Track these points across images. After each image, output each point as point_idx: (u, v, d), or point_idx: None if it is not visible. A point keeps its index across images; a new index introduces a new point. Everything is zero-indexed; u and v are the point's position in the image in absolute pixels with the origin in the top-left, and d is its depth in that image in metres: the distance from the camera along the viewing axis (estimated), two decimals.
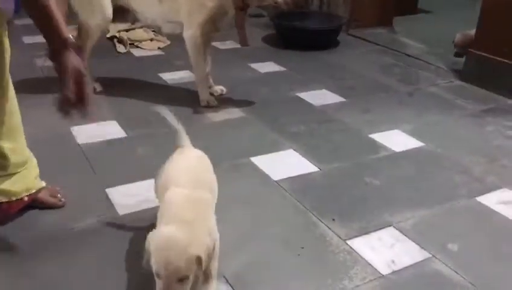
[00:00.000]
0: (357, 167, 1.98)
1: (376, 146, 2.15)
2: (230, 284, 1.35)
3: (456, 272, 1.44)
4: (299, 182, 1.86)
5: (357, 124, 2.34)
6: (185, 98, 2.54)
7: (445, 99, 2.69)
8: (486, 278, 1.41)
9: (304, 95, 2.65)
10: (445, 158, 2.07)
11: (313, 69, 3.07)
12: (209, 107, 2.43)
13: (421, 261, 1.48)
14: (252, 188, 1.83)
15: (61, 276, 1.37)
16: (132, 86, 2.66)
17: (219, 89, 2.61)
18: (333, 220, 1.65)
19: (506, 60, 2.67)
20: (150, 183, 1.78)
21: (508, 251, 1.54)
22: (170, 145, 2.07)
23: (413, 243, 1.55)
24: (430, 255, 1.50)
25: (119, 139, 2.11)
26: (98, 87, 2.55)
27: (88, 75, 2.40)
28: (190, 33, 2.34)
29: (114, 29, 3.38)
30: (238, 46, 3.39)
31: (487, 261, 1.49)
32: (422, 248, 1.53)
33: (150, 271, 1.12)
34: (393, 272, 1.43)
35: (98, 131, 2.15)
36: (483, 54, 2.77)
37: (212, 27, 2.36)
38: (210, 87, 2.56)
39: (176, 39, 2.82)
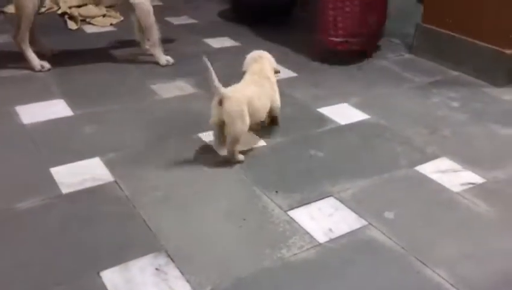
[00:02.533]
0: (303, 140, 2.02)
1: (323, 119, 2.20)
2: (170, 257, 1.38)
3: (390, 238, 1.50)
4: (245, 156, 1.89)
5: (307, 99, 2.38)
6: (135, 74, 2.53)
7: (393, 72, 2.75)
8: (418, 243, 1.48)
9: None
10: (389, 130, 2.13)
11: (266, 44, 3.07)
12: (169, 66, 2.63)
13: (358, 229, 1.54)
14: (198, 162, 1.85)
15: (2, 258, 1.37)
16: (82, 64, 2.62)
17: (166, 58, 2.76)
18: (276, 192, 1.69)
19: (450, 32, 2.73)
20: (95, 161, 1.80)
21: (439, 217, 1.61)
22: (116, 123, 2.08)
23: (351, 212, 1.61)
24: (367, 223, 1.56)
25: (66, 118, 2.09)
26: (46, 65, 2.50)
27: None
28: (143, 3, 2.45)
29: (65, 5, 3.30)
30: (193, 21, 3.40)
31: (420, 227, 1.56)
32: (359, 216, 1.59)
33: None
34: (330, 240, 1.48)
35: (44, 110, 2.13)
36: (430, 26, 2.83)
37: None
38: (157, 58, 2.69)
39: (129, 15, 2.79)
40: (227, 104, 1.75)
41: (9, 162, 1.77)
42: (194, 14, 3.49)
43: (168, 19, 3.42)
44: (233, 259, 1.40)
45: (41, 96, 2.24)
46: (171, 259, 1.38)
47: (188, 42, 3.03)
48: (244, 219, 1.56)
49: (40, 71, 2.48)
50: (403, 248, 1.47)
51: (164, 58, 2.65)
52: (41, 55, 2.56)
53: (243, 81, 1.95)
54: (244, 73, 2.01)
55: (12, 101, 2.17)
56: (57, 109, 2.15)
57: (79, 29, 3.16)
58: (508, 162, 1.93)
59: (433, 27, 2.82)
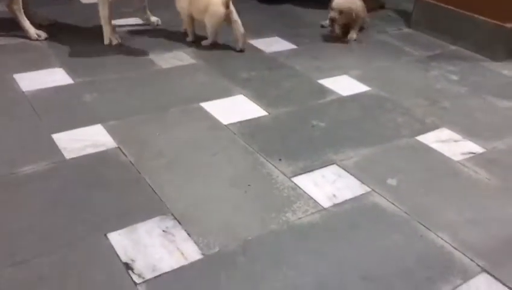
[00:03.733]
0: (304, 111, 2.03)
1: (324, 91, 2.20)
2: (177, 220, 1.39)
3: (393, 203, 1.52)
4: (248, 126, 1.89)
5: (307, 71, 2.37)
6: (133, 44, 2.50)
7: (393, 46, 2.75)
8: (419, 208, 1.51)
9: (256, 42, 2.65)
10: (390, 101, 2.14)
11: (266, 17, 3.05)
12: (111, 45, 2.47)
13: (361, 194, 1.55)
14: (202, 132, 1.85)
15: (7, 222, 1.37)
16: (79, 33, 2.59)
17: (155, 19, 2.74)
18: (280, 160, 1.70)
19: (450, 6, 2.73)
20: (96, 128, 1.80)
21: (441, 184, 1.64)
22: (116, 91, 2.06)
23: (355, 179, 1.62)
24: (370, 189, 1.58)
25: (66, 86, 2.07)
26: (43, 34, 2.47)
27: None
28: None
29: None
30: None
31: (422, 193, 1.59)
32: (362, 183, 1.61)
33: None
34: (334, 205, 1.50)
35: (43, 78, 2.10)
36: (430, 1, 2.83)
37: None
38: (146, 18, 2.73)
39: None
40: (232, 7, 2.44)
41: (10, 129, 1.75)
42: None
43: None
44: (240, 222, 1.41)
45: (39, 64, 2.21)
46: (178, 221, 1.39)
47: None
48: (249, 185, 1.57)
49: (37, 40, 2.45)
50: (406, 213, 1.49)
51: (108, 37, 2.46)
52: (37, 25, 2.52)
53: None
54: None
55: (10, 70, 2.14)
56: (56, 77, 2.12)
57: (75, 0, 3.11)
58: (506, 133, 1.96)
59: (432, 1, 2.82)
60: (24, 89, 2.01)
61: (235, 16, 2.47)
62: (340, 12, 2.67)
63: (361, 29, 2.90)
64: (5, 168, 1.56)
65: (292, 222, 1.42)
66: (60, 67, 2.21)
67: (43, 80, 2.09)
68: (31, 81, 2.07)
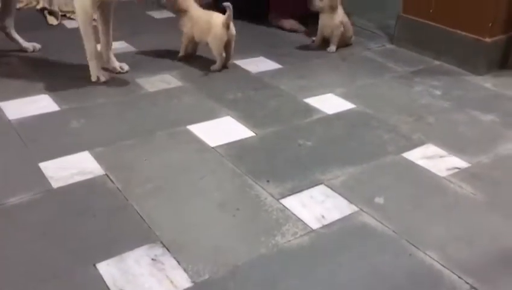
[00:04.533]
0: (291, 130, 2.04)
1: (310, 110, 2.22)
2: (166, 247, 1.39)
3: (381, 223, 1.53)
4: (235, 147, 1.90)
5: (292, 90, 2.39)
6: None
7: (377, 62, 2.78)
8: (407, 226, 1.52)
9: (241, 63, 2.67)
10: (375, 118, 2.16)
11: (251, 37, 3.08)
12: (99, 82, 2.34)
13: (349, 214, 1.56)
14: (188, 155, 1.85)
15: None
16: (64, 59, 2.59)
17: (118, 66, 2.46)
18: (267, 181, 1.70)
19: (432, 22, 2.78)
20: (83, 155, 1.80)
21: (428, 201, 1.65)
22: (103, 117, 2.06)
23: (342, 199, 1.63)
24: (358, 209, 1.59)
25: (52, 113, 2.07)
26: (37, 46, 2.59)
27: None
28: (79, 2, 2.19)
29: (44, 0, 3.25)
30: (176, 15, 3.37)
31: (410, 211, 1.60)
32: (350, 202, 1.62)
33: None
34: (323, 226, 1.50)
35: (30, 106, 2.10)
36: (412, 17, 2.88)
37: None
38: (109, 62, 2.45)
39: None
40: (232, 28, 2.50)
41: None
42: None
43: (151, 13, 3.40)
44: (229, 247, 1.41)
45: (25, 91, 2.21)
46: (167, 249, 1.38)
47: (171, 38, 3.01)
48: (238, 209, 1.57)
49: (33, 52, 2.57)
50: (394, 231, 1.50)
51: (96, 74, 2.33)
52: (22, 52, 2.53)
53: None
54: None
55: None
56: (42, 104, 2.12)
57: (60, 25, 3.12)
58: (490, 146, 1.98)
59: (414, 17, 2.87)
60: (10, 117, 2.01)
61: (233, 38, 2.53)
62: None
63: (346, 45, 2.96)
64: None
65: (281, 245, 1.42)
66: (46, 94, 2.21)
67: (29, 108, 2.08)
68: (17, 109, 2.07)
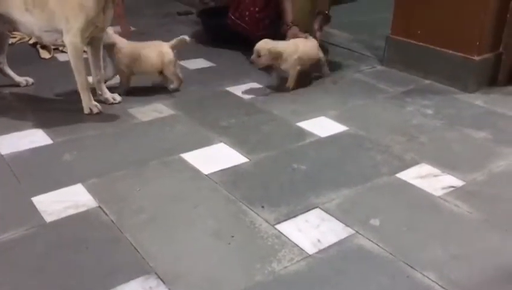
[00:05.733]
0: (284, 155, 2.04)
1: (303, 133, 2.22)
2: (160, 279, 1.37)
3: (377, 245, 1.52)
4: (229, 174, 1.90)
5: (285, 114, 2.40)
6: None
7: (368, 84, 2.81)
8: (404, 248, 1.51)
9: (233, 89, 2.69)
10: (368, 140, 2.17)
11: (242, 63, 3.11)
12: (91, 114, 2.34)
13: (345, 237, 1.55)
14: (182, 183, 1.84)
15: None
16: (58, 92, 2.60)
17: (111, 97, 2.48)
18: (262, 207, 1.70)
19: (420, 43, 2.82)
20: (76, 188, 1.79)
21: (424, 221, 1.64)
22: (96, 148, 2.06)
23: (338, 222, 1.62)
24: (354, 232, 1.58)
25: (45, 147, 2.06)
26: (30, 80, 2.61)
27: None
28: (69, 39, 2.19)
29: None
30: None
31: (406, 232, 1.59)
32: (346, 225, 1.61)
33: None
34: (319, 251, 1.49)
35: (22, 140, 2.10)
36: (401, 38, 2.92)
37: (93, 28, 2.22)
38: (102, 94, 2.47)
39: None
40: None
41: None
42: (167, 38, 3.49)
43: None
44: (225, 276, 1.39)
45: (18, 126, 2.21)
46: (162, 280, 1.37)
47: None
48: (233, 236, 1.56)
49: (26, 86, 2.60)
50: (391, 253, 1.48)
51: (88, 106, 2.34)
52: (15, 86, 2.55)
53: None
54: None
55: None
56: (35, 138, 2.12)
57: (52, 58, 3.14)
58: (484, 164, 1.99)
59: (403, 38, 2.91)
60: (2, 152, 2.00)
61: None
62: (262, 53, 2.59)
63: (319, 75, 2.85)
64: None
65: (278, 272, 1.41)
66: (39, 128, 2.21)
67: (22, 142, 2.08)
68: (9, 143, 2.06)
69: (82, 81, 2.31)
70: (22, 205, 1.68)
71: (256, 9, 3.18)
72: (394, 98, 2.62)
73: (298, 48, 2.65)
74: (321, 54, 2.81)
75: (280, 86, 2.71)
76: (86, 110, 2.35)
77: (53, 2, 2.15)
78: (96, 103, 2.37)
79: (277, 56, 2.59)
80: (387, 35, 3.00)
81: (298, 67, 2.65)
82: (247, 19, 3.20)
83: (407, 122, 2.35)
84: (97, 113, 2.35)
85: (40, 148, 2.05)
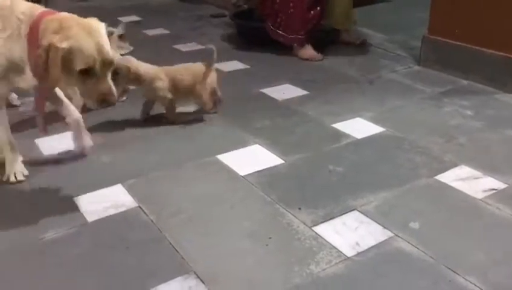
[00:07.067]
0: (320, 156, 2.03)
1: (338, 135, 2.21)
2: (200, 279, 1.38)
3: (417, 248, 1.50)
4: (265, 175, 1.90)
5: (320, 115, 2.39)
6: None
7: (404, 84, 2.76)
8: (445, 251, 1.48)
9: (267, 91, 2.69)
10: (406, 141, 2.13)
11: (275, 65, 3.11)
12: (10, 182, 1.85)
13: (384, 240, 1.53)
14: (218, 184, 1.86)
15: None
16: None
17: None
18: (299, 209, 1.69)
19: (459, 42, 2.76)
20: (117, 188, 1.82)
21: (465, 224, 1.61)
22: (133, 149, 2.10)
23: (377, 225, 1.60)
24: (393, 235, 1.55)
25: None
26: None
27: None
28: None
29: None
30: (201, 47, 3.45)
31: (447, 235, 1.56)
32: (385, 228, 1.59)
33: None
34: (358, 254, 1.48)
35: (63, 141, 2.14)
36: (438, 38, 2.86)
37: (9, 86, 1.73)
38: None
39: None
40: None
41: (31, 194, 1.78)
42: (201, 41, 3.55)
43: (176, 46, 3.47)
44: (263, 278, 1.40)
45: (60, 129, 2.26)
46: (201, 280, 1.38)
47: None
48: (270, 237, 1.56)
49: None
50: (431, 257, 1.46)
51: (13, 171, 1.84)
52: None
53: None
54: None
55: (33, 135, 2.18)
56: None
57: None
58: None
59: (440, 38, 2.85)
60: (45, 153, 2.06)
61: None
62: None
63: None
64: (29, 234, 1.58)
65: (316, 274, 1.40)
66: None
67: (63, 144, 2.13)
68: (51, 146, 2.12)
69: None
70: (64, 204, 1.73)
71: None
72: (431, 99, 2.57)
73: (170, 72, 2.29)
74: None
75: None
76: (4, 178, 1.84)
77: None
78: (20, 168, 1.87)
79: (139, 79, 2.23)
80: (423, 34, 2.95)
81: (169, 96, 2.28)
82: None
83: (446, 123, 2.30)
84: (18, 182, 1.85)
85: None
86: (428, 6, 2.91)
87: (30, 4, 1.65)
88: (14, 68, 1.66)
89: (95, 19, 1.63)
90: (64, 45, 1.49)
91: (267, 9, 3.26)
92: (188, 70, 2.33)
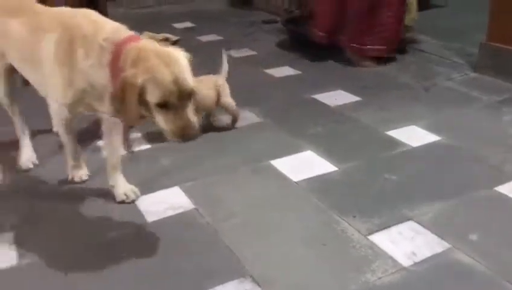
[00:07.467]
0: (375, 164, 2.02)
1: (393, 142, 2.18)
2: (256, 282, 1.41)
3: (476, 260, 1.46)
4: (318, 182, 1.91)
5: (374, 122, 2.38)
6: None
7: (460, 92, 2.70)
8: (505, 265, 1.44)
9: (320, 97, 2.70)
10: (463, 150, 2.09)
11: (327, 70, 3.11)
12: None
13: (441, 251, 1.51)
14: (272, 190, 1.88)
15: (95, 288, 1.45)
16: None
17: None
18: (354, 217, 1.69)
19: None
20: (175, 190, 1.88)
21: None
22: (190, 154, 2.15)
23: (433, 235, 1.58)
24: (450, 246, 1.53)
25: (143, 151, 2.18)
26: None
27: None
28: (54, 108, 1.76)
29: None
30: (253, 53, 3.49)
31: (506, 248, 1.52)
32: (442, 239, 1.56)
33: None
34: (414, 264, 1.46)
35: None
36: (497, 44, 2.78)
37: (83, 108, 1.71)
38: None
39: None
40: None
41: (95, 194, 1.87)
42: (253, 46, 3.59)
43: (229, 52, 3.53)
44: (319, 283, 1.41)
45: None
46: (257, 284, 1.41)
47: (249, 73, 3.12)
48: (324, 244, 1.57)
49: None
50: (491, 270, 1.42)
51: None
52: None
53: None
54: None
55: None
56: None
57: None
58: None
59: (500, 45, 2.77)
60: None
61: None
62: None
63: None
64: (94, 234, 1.66)
65: (372, 282, 1.40)
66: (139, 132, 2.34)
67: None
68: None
69: (68, 152, 1.92)
70: (126, 205, 1.80)
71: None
72: (489, 107, 2.50)
73: None
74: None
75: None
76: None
77: None
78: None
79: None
80: (481, 41, 2.87)
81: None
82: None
83: (505, 132, 2.24)
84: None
85: (138, 152, 2.16)
86: (484, 11, 2.83)
87: (115, 27, 1.58)
88: (93, 93, 1.61)
89: (177, 48, 1.52)
90: (140, 80, 1.39)
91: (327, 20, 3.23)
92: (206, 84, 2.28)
